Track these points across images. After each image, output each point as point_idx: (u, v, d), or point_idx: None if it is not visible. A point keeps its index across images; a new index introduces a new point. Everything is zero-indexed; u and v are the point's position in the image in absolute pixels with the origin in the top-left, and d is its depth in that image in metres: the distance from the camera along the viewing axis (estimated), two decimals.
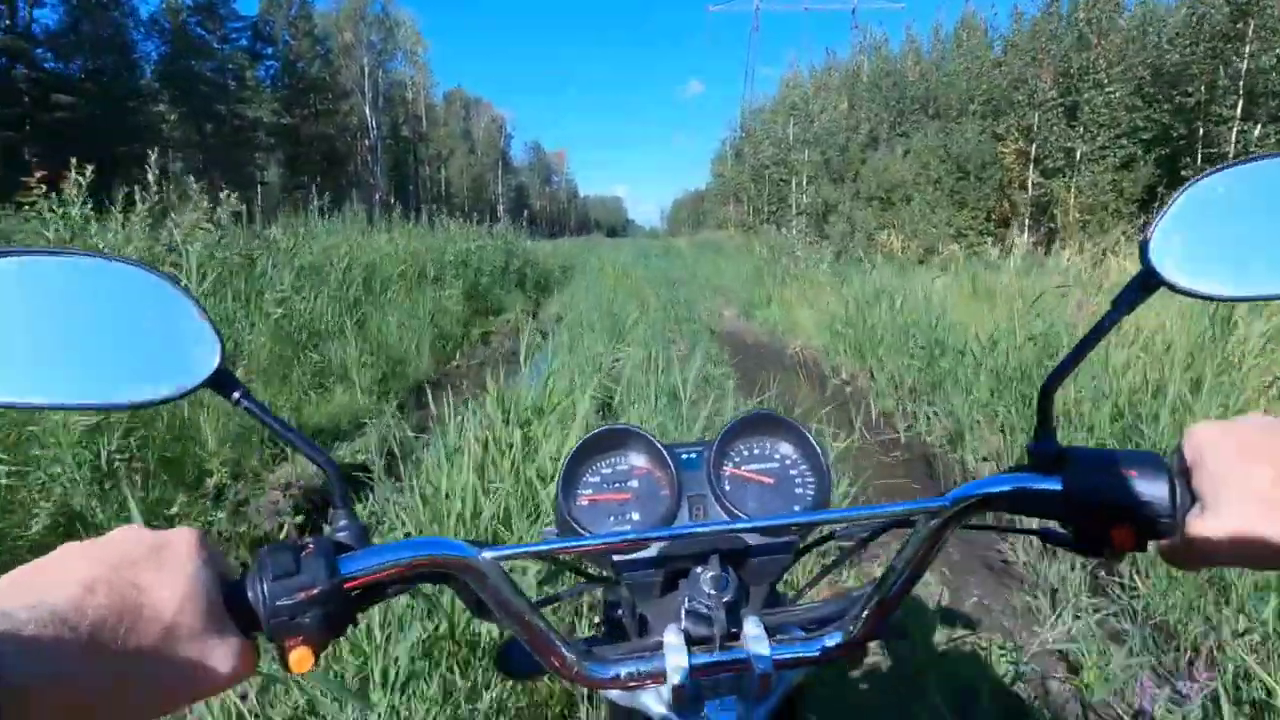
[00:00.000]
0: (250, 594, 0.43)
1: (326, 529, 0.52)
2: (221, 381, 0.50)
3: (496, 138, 76.83)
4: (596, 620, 0.95)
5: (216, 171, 36.89)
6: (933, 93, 15.66)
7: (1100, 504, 0.48)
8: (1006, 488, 0.51)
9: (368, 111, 48.18)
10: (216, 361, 0.49)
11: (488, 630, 1.86)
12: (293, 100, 45.70)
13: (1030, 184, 13.58)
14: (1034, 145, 13.31)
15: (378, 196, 48.14)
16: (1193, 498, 0.46)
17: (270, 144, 44.59)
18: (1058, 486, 0.49)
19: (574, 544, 0.55)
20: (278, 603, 0.43)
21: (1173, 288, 0.47)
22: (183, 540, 0.42)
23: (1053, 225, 13.14)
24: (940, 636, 2.24)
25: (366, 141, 49.10)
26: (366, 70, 48.00)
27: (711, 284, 14.19)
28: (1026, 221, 13.66)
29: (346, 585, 0.46)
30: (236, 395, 0.50)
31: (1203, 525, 0.44)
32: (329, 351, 5.84)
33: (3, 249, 0.45)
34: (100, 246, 4.60)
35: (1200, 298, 0.49)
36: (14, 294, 0.44)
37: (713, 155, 43.97)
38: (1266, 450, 0.43)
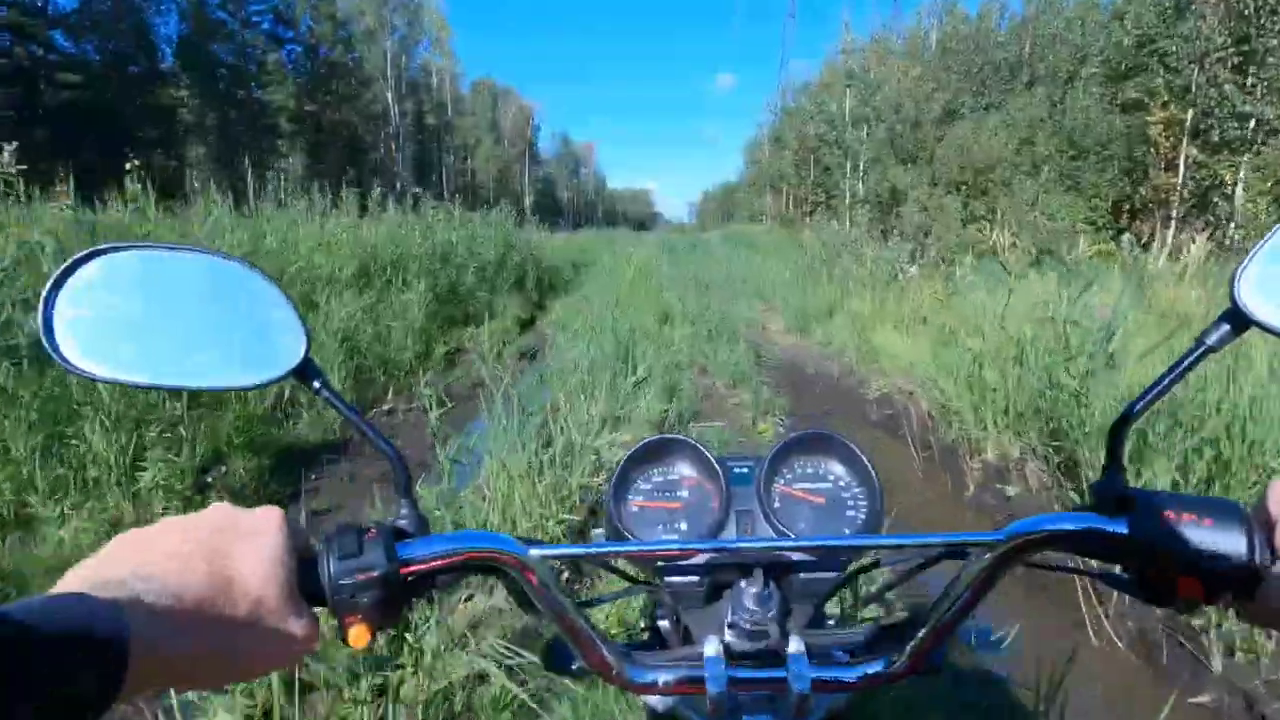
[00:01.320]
0: (318, 571, 0.45)
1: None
2: (306, 371, 0.53)
3: (524, 128, 74.82)
4: (643, 626, 0.80)
5: (236, 158, 35.63)
6: (1027, 56, 12.78)
7: (1168, 552, 0.44)
8: (1069, 526, 0.48)
9: (390, 98, 46.25)
10: (303, 351, 0.53)
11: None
12: (314, 86, 44.09)
13: (1185, 163, 10.23)
14: (1191, 112, 9.98)
15: (399, 185, 46.51)
16: (1273, 554, 0.42)
17: (292, 130, 42.89)
18: (1123, 530, 0.46)
19: (620, 548, 0.57)
20: (340, 581, 0.45)
21: (1263, 328, 0.45)
22: (268, 518, 0.44)
23: (1213, 217, 10.13)
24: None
25: (389, 129, 47.18)
26: (389, 56, 46.02)
27: (750, 286, 11.61)
28: (1176, 212, 10.39)
29: (403, 570, 0.47)
30: (318, 385, 0.53)
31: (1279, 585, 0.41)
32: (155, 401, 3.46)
33: (122, 243, 0.49)
34: None
35: None
36: (129, 282, 0.49)
37: (746, 143, 40.91)
38: None
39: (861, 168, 16.22)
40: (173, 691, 1.54)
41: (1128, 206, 10.03)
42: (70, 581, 0.35)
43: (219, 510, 0.44)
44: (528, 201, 70.83)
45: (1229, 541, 0.43)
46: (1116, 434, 0.50)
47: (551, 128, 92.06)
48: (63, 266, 0.47)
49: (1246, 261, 0.46)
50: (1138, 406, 0.49)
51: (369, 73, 46.37)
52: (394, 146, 47.42)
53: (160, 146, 33.46)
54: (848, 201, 16.17)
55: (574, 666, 0.56)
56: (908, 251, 9.12)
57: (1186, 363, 0.47)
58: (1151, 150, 9.63)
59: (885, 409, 5.17)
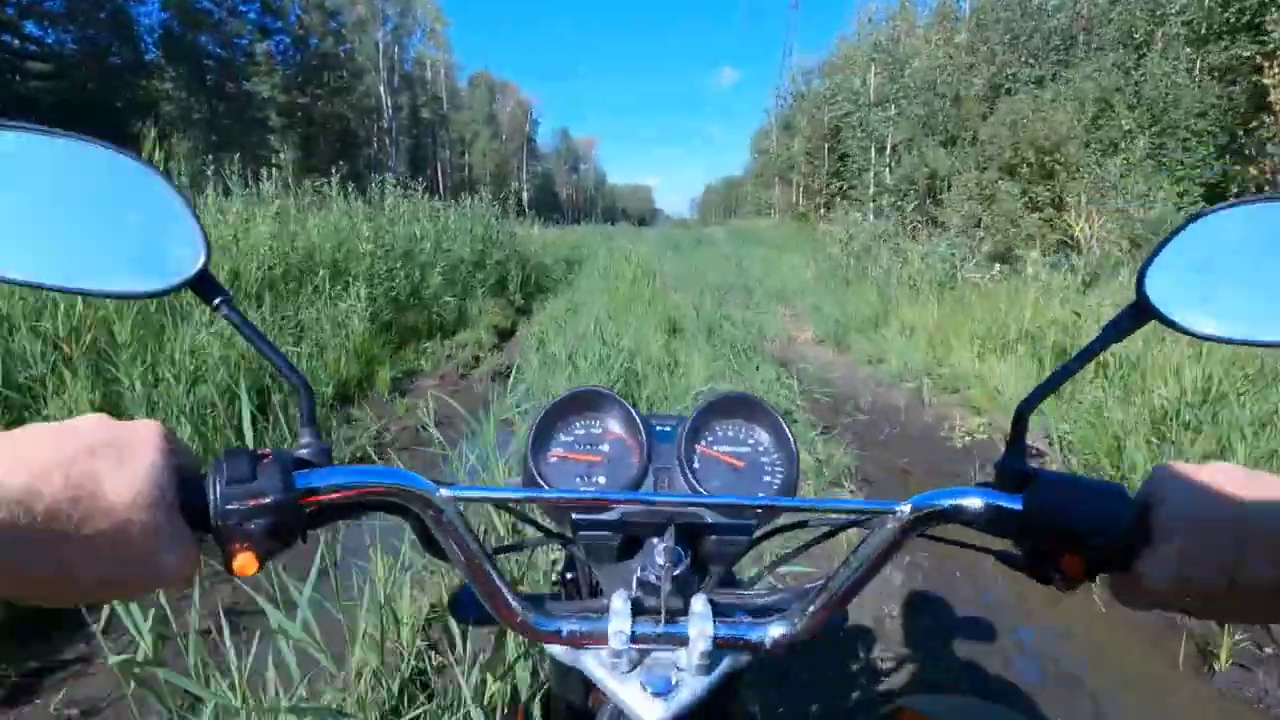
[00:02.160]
0: (203, 495, 0.42)
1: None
2: (204, 285, 0.49)
3: (522, 122, 73.19)
4: (554, 579, 0.78)
5: (224, 152, 34.03)
6: (1086, 20, 11.04)
7: (1054, 529, 0.45)
8: (967, 500, 0.48)
9: (383, 90, 44.56)
10: (201, 263, 0.49)
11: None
12: (304, 78, 42.51)
13: None
14: None
15: (394, 179, 44.85)
16: (1147, 536, 0.43)
17: (282, 124, 41.29)
18: (1018, 506, 0.47)
19: (533, 495, 0.55)
20: (227, 506, 0.42)
21: (1164, 321, 0.46)
22: (146, 433, 0.41)
23: None
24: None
25: (382, 122, 45.53)
26: (381, 47, 44.33)
27: (768, 287, 10.02)
28: None
29: (300, 500, 0.45)
30: (218, 301, 0.50)
31: (1149, 563, 0.42)
32: None
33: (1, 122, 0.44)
34: None
35: (1191, 335, 0.47)
36: (6, 168, 0.44)
37: (753, 133, 38.74)
38: (1227, 496, 0.41)
39: (888, 151, 14.47)
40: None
41: (1234, 189, 8.37)
42: None
43: (92, 419, 0.40)
44: (525, 196, 69.40)
45: (1109, 520, 0.44)
46: (1022, 414, 0.50)
47: (551, 123, 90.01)
48: None
49: (1153, 256, 0.47)
50: (1042, 391, 0.50)
51: (361, 64, 44.74)
52: (386, 140, 45.71)
53: (145, 139, 31.87)
54: (871, 191, 14.46)
55: (481, 616, 0.56)
56: (965, 246, 7.50)
57: (1092, 351, 0.48)
58: (1273, 118, 7.97)
59: (987, 463, 3.61)
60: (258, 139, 37.93)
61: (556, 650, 0.56)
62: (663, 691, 0.50)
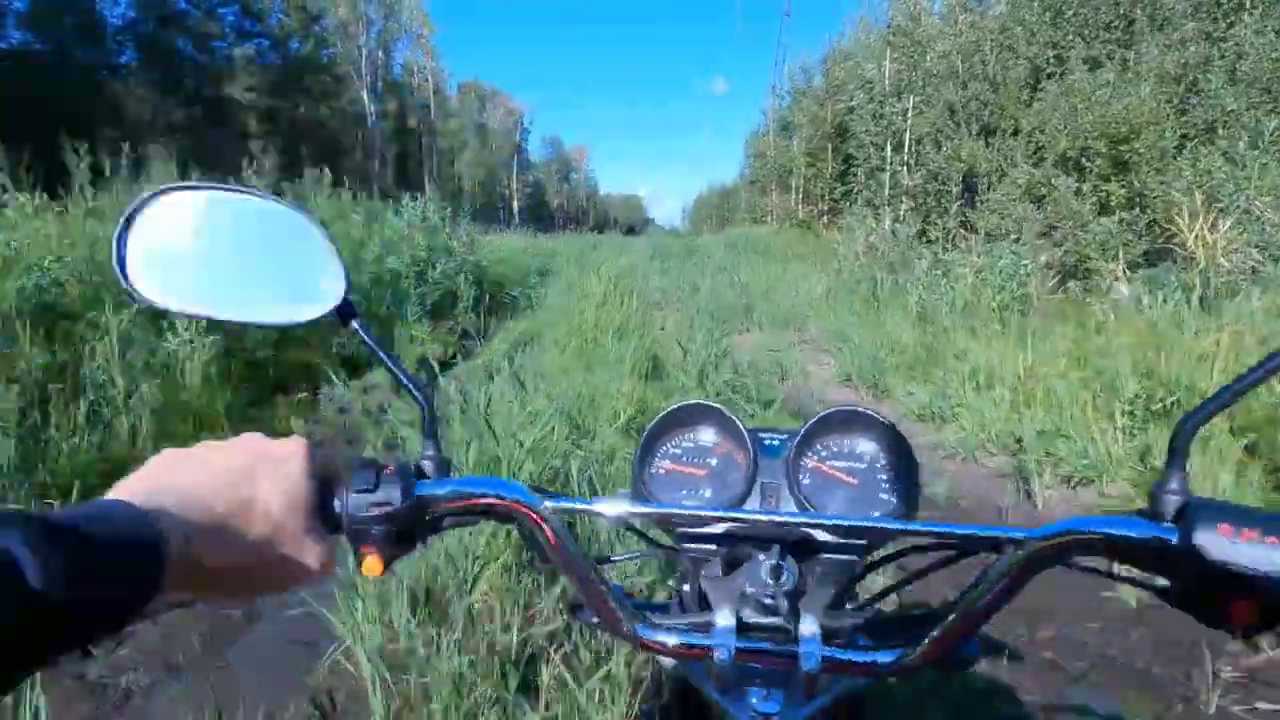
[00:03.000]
0: (336, 503, 0.47)
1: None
2: (345, 310, 0.55)
3: (512, 131, 71.76)
4: (667, 592, 0.86)
5: (198, 159, 32.34)
6: None
7: (1221, 569, 0.39)
8: (1113, 530, 0.43)
9: (365, 96, 42.90)
10: (343, 292, 0.55)
11: None
12: (283, 82, 40.91)
13: None
14: None
15: (375, 188, 43.19)
16: None
17: (260, 130, 39.53)
18: (1173, 539, 0.41)
19: (634, 508, 0.55)
20: (355, 514, 0.46)
21: None
22: (294, 448, 0.46)
23: None
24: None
25: (366, 129, 43.85)
26: (365, 52, 42.70)
27: (773, 307, 8.32)
28: None
29: (418, 509, 0.48)
30: (355, 325, 0.55)
31: None
32: None
33: (185, 183, 0.53)
34: None
35: None
36: (190, 221, 0.52)
37: (747, 135, 36.54)
38: None
39: (907, 148, 12.57)
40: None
41: None
42: (114, 492, 0.38)
43: (250, 438, 0.46)
44: (516, 205, 67.66)
45: None
46: (1181, 434, 0.45)
47: (542, 132, 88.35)
48: (132, 205, 0.50)
49: None
50: (1209, 407, 0.44)
51: (344, 70, 43.14)
52: (370, 148, 44.00)
53: (119, 144, 30.27)
54: (886, 193, 12.63)
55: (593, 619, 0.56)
56: (1037, 261, 5.80)
57: (1268, 367, 0.43)
58: None
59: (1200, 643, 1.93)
60: (233, 145, 36.18)
61: (666, 663, 0.58)
62: (770, 712, 0.50)
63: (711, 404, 0.68)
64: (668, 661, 0.57)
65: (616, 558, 0.71)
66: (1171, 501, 0.43)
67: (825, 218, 16.93)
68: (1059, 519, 0.44)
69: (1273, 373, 0.42)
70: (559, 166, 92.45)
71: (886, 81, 12.89)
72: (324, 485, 0.47)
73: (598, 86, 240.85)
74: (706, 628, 0.51)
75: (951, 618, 0.47)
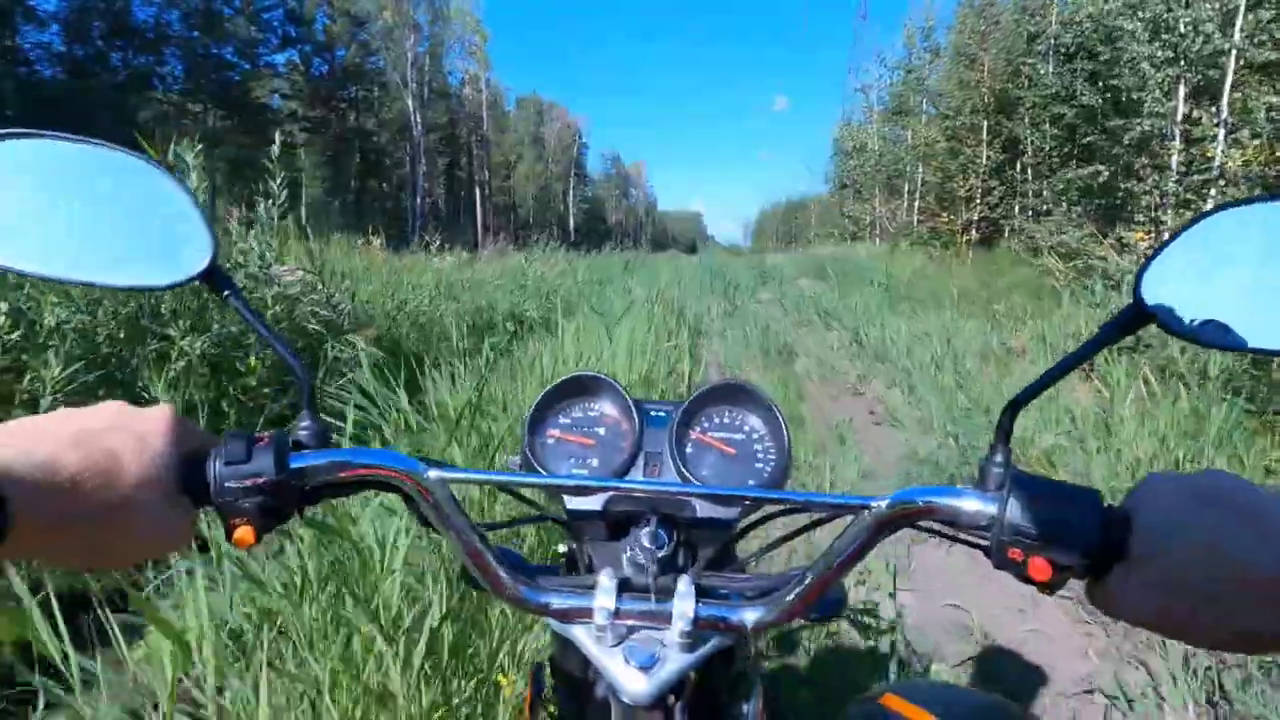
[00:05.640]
0: (205, 473, 0.46)
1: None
2: (214, 278, 0.52)
3: (570, 145, 68.61)
4: (558, 553, 0.80)
5: (241, 169, 30.20)
6: None
7: (1024, 532, 0.44)
8: (944, 499, 0.47)
9: (410, 104, 39.97)
10: (210, 257, 0.52)
11: None
12: (328, 91, 38.49)
13: None
14: None
15: (419, 201, 40.20)
16: (1122, 550, 0.41)
17: (305, 141, 36.89)
18: (993, 508, 0.45)
19: (515, 479, 0.56)
20: (225, 484, 0.46)
21: (1162, 326, 0.45)
22: (158, 417, 0.45)
23: None
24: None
25: (410, 142, 40.96)
26: (410, 58, 39.84)
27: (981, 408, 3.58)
28: None
29: (294, 480, 0.48)
30: (227, 293, 0.53)
31: (1121, 581, 0.41)
32: None
33: (23, 130, 0.47)
34: None
35: (1190, 341, 0.46)
36: (28, 171, 0.48)
37: (832, 128, 30.08)
38: (1212, 503, 0.38)
39: (1226, 94, 6.53)
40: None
41: None
42: None
43: (112, 405, 0.45)
44: (572, 222, 64.31)
45: (1080, 526, 0.42)
46: (1009, 414, 0.49)
47: (599, 145, 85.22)
48: None
49: (1153, 256, 0.46)
50: (1034, 388, 0.49)
51: (392, 78, 40.47)
52: (414, 161, 41.03)
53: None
54: (1172, 184, 6.93)
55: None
56: None
57: (1083, 352, 0.47)
58: None
59: None
60: (270, 156, 33.70)
61: (555, 624, 0.57)
62: (646, 665, 0.52)
63: (600, 376, 0.69)
64: (555, 624, 0.56)
65: (500, 525, 0.75)
66: (996, 474, 0.47)
67: (976, 232, 11.71)
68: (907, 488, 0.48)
69: (1087, 356, 0.46)
70: (618, 182, 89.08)
71: None
72: (192, 456, 0.46)
73: (658, 102, 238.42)
74: (589, 589, 0.52)
75: (810, 577, 0.50)
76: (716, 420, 0.68)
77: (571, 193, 68.50)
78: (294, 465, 0.47)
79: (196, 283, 0.52)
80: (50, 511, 0.38)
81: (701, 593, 0.52)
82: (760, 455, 0.66)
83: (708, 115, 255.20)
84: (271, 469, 0.46)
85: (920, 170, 14.63)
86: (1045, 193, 9.76)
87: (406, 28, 39.39)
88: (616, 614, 0.51)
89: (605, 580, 0.52)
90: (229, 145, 29.76)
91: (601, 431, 0.68)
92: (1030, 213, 10.53)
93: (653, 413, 0.67)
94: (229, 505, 0.45)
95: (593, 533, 0.62)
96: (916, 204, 14.23)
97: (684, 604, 0.50)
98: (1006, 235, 10.97)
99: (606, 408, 0.69)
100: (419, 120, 40.20)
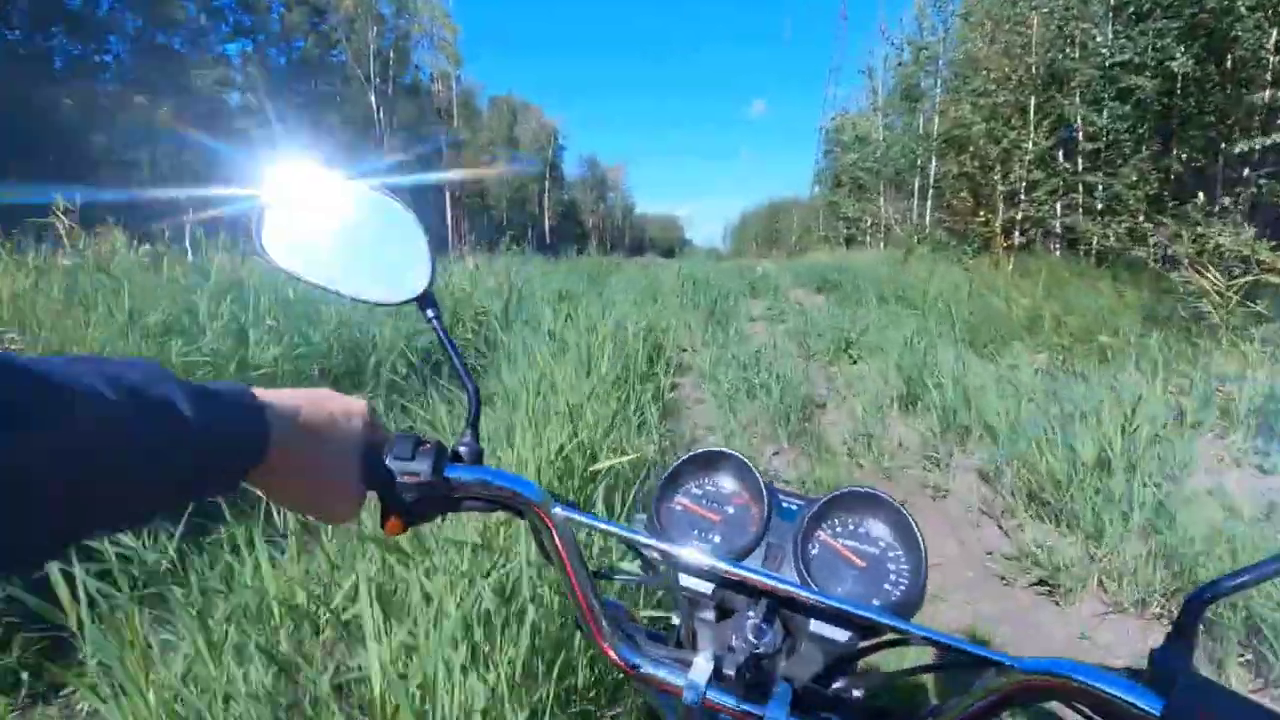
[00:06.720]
0: (382, 461, 0.51)
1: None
2: (426, 300, 0.58)
3: (545, 147, 66.38)
4: (670, 621, 0.82)
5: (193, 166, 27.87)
6: None
7: None
8: (1099, 684, 0.40)
9: (373, 99, 37.65)
10: (427, 282, 0.58)
11: None
12: (286, 83, 36.01)
13: None
14: None
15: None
16: None
17: (261, 135, 34.29)
18: (1155, 709, 0.39)
19: (633, 535, 0.56)
20: (390, 476, 0.51)
21: None
22: (358, 406, 0.52)
23: None
24: None
25: (374, 136, 38.59)
26: (372, 50, 37.50)
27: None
28: None
29: (443, 486, 0.52)
30: (431, 315, 0.59)
31: None
32: None
33: (310, 167, 0.57)
34: None
35: None
36: (311, 198, 0.58)
37: (824, 125, 27.22)
38: None
39: None
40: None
41: None
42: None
43: (326, 391, 0.51)
44: (547, 225, 62.13)
45: None
46: (1191, 608, 0.41)
47: (577, 148, 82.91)
48: (267, 178, 0.54)
49: None
50: (1226, 585, 0.40)
51: (353, 72, 38.08)
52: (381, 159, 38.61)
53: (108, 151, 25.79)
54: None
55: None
56: None
57: None
58: None
59: None
60: (231, 153, 31.10)
61: (644, 688, 0.56)
62: None
63: (738, 455, 0.67)
64: (646, 691, 0.56)
65: (618, 576, 0.74)
66: (1166, 672, 0.41)
67: (1019, 236, 9.83)
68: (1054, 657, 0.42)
69: None
70: (594, 185, 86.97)
71: None
72: (373, 445, 0.51)
73: (635, 106, 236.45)
74: (684, 664, 0.52)
75: None
76: (850, 527, 0.63)
77: (547, 195, 66.34)
78: (448, 474, 0.52)
79: (413, 305, 0.58)
80: (291, 453, 0.45)
81: (800, 705, 0.50)
82: (893, 575, 0.59)
83: (686, 119, 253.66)
84: (429, 471, 0.51)
85: (933, 163, 12.60)
86: (1102, 188, 7.93)
87: (369, 18, 37.07)
88: (704, 700, 0.50)
89: (702, 662, 0.51)
90: (176, 139, 27.41)
91: (730, 510, 0.66)
92: (1080, 210, 8.73)
93: (784, 503, 0.64)
94: (391, 494, 0.50)
95: (702, 608, 0.59)
96: (929, 202, 12.35)
97: (777, 710, 0.49)
98: (1041, 238, 9.27)
99: (737, 486, 0.67)
100: (380, 115, 37.87)
